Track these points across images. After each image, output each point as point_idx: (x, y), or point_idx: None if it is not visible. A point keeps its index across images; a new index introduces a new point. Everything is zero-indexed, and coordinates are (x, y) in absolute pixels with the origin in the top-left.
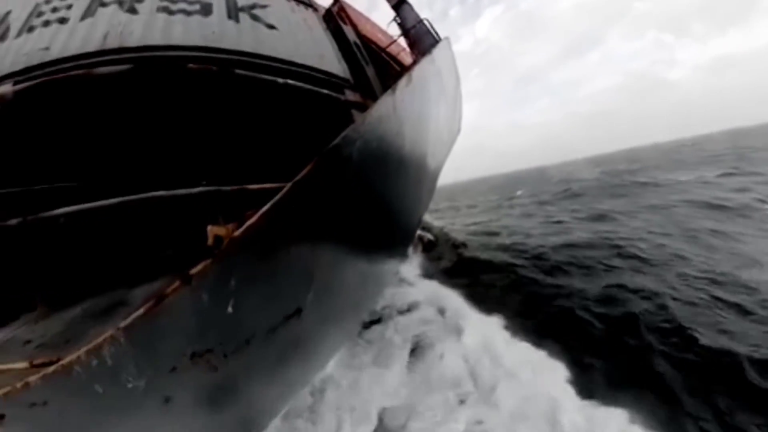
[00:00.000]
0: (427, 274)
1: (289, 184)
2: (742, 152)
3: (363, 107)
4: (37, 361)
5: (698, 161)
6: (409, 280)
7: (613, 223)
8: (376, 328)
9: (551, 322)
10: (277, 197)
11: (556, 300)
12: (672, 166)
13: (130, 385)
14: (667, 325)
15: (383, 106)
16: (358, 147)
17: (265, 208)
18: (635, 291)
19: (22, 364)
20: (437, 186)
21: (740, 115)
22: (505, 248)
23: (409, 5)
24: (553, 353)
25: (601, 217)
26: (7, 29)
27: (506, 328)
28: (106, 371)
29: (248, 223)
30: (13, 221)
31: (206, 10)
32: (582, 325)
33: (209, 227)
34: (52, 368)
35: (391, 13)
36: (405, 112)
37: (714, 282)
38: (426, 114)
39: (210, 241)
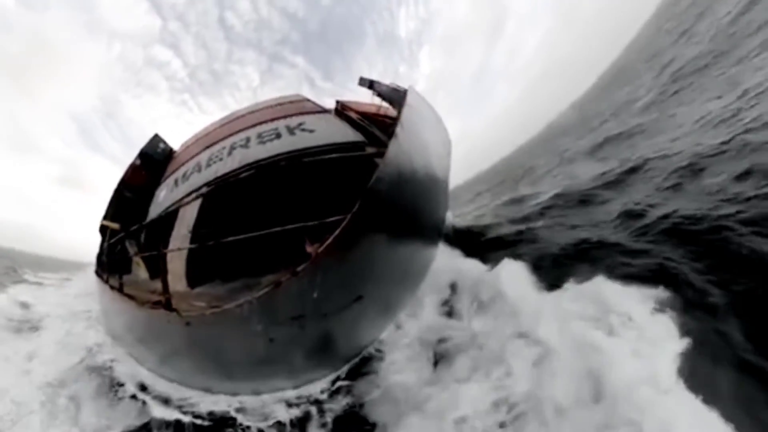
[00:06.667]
0: None
1: (348, 216)
2: None
3: (380, 154)
4: (212, 305)
5: None
6: None
7: None
8: None
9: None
10: (342, 225)
11: None
12: None
13: (253, 327)
14: None
15: (393, 148)
16: (386, 181)
17: (335, 233)
18: None
19: (205, 305)
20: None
21: None
22: None
23: (377, 82)
24: None
25: None
26: (200, 167)
27: None
28: (243, 317)
29: (327, 242)
30: (210, 242)
31: (279, 135)
32: None
33: (306, 245)
34: (217, 309)
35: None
36: (408, 145)
37: None
38: (422, 140)
39: (307, 251)
